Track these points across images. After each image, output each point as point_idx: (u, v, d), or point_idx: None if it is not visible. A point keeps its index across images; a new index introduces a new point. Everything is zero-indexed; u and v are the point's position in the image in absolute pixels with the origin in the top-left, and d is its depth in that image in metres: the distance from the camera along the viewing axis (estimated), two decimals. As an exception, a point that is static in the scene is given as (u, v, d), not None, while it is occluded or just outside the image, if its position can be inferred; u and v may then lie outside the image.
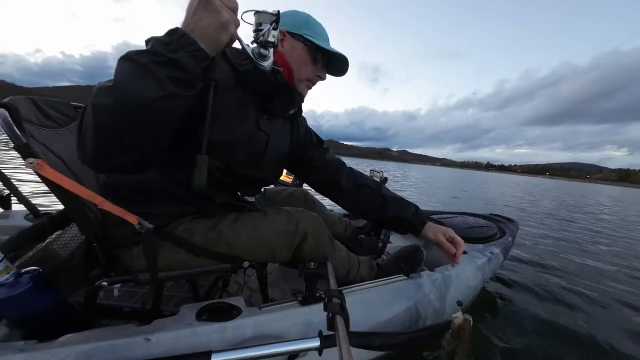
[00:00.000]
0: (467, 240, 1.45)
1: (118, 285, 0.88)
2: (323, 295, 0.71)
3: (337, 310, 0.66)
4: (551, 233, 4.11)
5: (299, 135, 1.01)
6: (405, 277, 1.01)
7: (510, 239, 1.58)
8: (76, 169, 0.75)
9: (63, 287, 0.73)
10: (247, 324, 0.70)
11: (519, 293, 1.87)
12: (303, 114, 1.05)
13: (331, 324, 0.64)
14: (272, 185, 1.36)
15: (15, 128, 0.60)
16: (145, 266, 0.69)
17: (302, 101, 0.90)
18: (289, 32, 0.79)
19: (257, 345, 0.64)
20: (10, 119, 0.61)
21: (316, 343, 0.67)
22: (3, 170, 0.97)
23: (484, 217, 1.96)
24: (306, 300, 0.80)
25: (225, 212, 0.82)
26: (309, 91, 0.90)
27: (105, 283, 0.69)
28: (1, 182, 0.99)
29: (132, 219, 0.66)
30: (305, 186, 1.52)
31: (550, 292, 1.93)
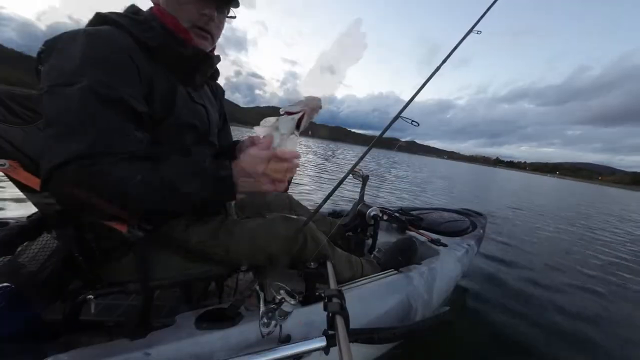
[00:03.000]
0: (447, 234, 1.55)
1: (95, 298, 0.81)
2: (323, 295, 0.71)
3: (337, 310, 0.67)
4: None
5: (220, 100, 0.97)
6: (396, 272, 1.06)
7: (481, 231, 1.71)
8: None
9: (35, 303, 0.66)
10: (250, 328, 0.69)
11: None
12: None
13: (331, 324, 0.65)
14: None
15: (-20, 126, 0.52)
16: (135, 275, 0.64)
17: (219, 60, 0.81)
18: None
19: (263, 350, 0.63)
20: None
21: (322, 343, 0.67)
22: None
23: (456, 211, 2.11)
24: (307, 300, 0.81)
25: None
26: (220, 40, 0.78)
27: (92, 296, 0.63)
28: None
29: (121, 226, 0.61)
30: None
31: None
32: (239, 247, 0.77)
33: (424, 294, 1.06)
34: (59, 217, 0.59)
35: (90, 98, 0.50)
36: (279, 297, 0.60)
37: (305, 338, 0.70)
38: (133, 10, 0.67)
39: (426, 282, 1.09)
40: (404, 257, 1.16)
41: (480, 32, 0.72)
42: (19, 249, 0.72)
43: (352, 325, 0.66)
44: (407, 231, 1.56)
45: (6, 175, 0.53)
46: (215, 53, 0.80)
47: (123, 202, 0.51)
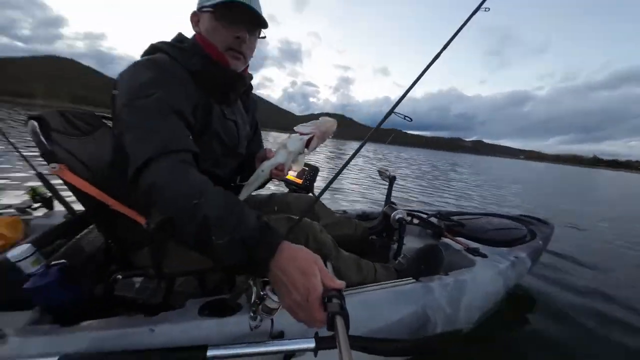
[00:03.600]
0: (492, 242, 1.36)
1: (140, 279, 0.96)
2: (323, 296, 0.71)
3: (337, 310, 0.65)
4: None
5: (252, 112, 1.09)
6: (414, 280, 0.97)
7: (540, 242, 1.44)
8: (98, 172, 0.83)
9: (87, 279, 0.81)
10: (245, 320, 0.72)
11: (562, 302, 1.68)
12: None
13: (331, 324, 0.64)
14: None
15: (41, 137, 0.68)
16: (151, 262, 0.74)
17: (251, 77, 0.94)
18: (199, 11, 0.79)
19: (253, 343, 0.66)
20: (38, 130, 0.69)
21: (311, 344, 0.67)
22: (46, 175, 1.10)
23: (512, 218, 1.82)
24: (306, 300, 0.81)
25: None
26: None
27: (120, 276, 0.75)
28: (45, 185, 1.13)
29: (141, 219, 0.71)
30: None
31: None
32: None
33: (445, 308, 0.95)
34: (95, 210, 0.73)
35: (164, 106, 0.62)
36: (262, 293, 0.62)
37: (301, 336, 0.71)
38: (179, 38, 0.81)
39: (450, 295, 0.97)
40: (426, 265, 1.06)
41: (489, 9, 0.61)
42: (79, 234, 0.91)
43: (350, 332, 0.65)
44: (442, 238, 1.42)
45: (57, 176, 0.68)
46: (250, 72, 0.92)
47: (186, 203, 0.50)
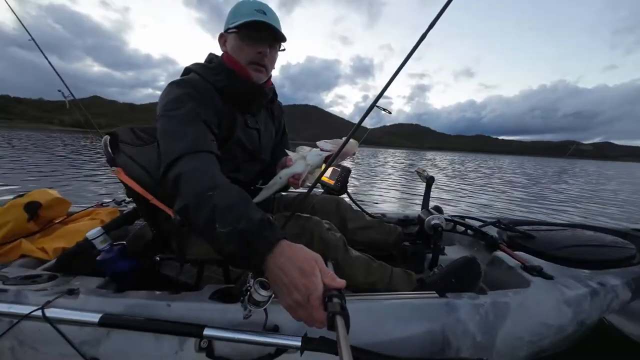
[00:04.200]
0: (564, 261, 1.06)
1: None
2: (323, 295, 0.71)
3: (337, 310, 0.64)
4: None
5: (279, 119, 1.17)
6: (436, 295, 0.85)
7: (654, 267, 1.04)
8: (153, 173, 1.04)
9: (141, 258, 1.03)
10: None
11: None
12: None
13: (331, 324, 0.63)
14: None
15: (108, 148, 0.90)
16: (177, 249, 0.88)
17: (272, 92, 1.01)
18: (225, 32, 0.88)
19: (246, 331, 0.71)
20: (108, 142, 0.92)
21: (297, 342, 0.68)
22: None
23: (618, 232, 1.36)
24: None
25: None
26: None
27: (158, 258, 0.93)
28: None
29: (171, 212, 0.86)
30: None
31: None
32: None
33: (475, 334, 0.79)
34: (141, 204, 0.91)
35: (192, 115, 0.75)
36: (248, 285, 0.66)
37: (294, 334, 0.72)
38: (209, 59, 0.95)
39: (484, 318, 0.81)
40: (457, 280, 0.91)
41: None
42: (144, 222, 1.15)
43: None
44: (497, 250, 1.18)
45: (116, 177, 0.89)
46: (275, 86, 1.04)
47: (201, 196, 0.57)
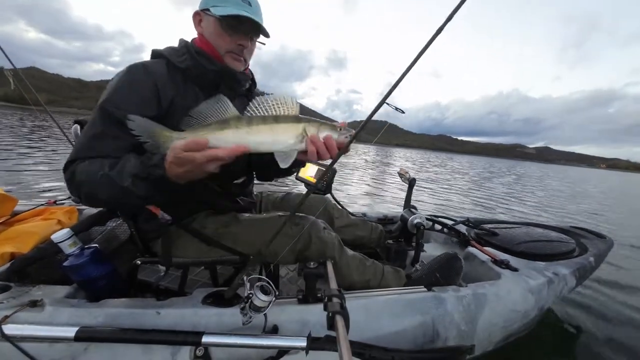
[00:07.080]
0: (524, 255, 1.21)
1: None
2: (323, 295, 0.70)
3: (337, 310, 0.65)
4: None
5: None
6: (425, 289, 0.91)
7: (591, 259, 1.24)
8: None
9: (115, 262, 0.92)
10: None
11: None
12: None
13: (331, 324, 0.63)
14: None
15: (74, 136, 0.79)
16: (162, 252, 0.81)
17: (248, 79, 0.94)
18: (202, 11, 0.81)
19: (247, 335, 0.69)
20: (79, 131, 0.81)
21: (303, 343, 0.67)
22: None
23: (561, 229, 1.59)
24: (305, 299, 0.81)
25: (235, 207, 0.90)
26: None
27: (139, 262, 0.84)
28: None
29: (157, 211, 0.79)
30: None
31: None
32: (245, 239, 0.86)
33: (460, 323, 0.87)
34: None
35: (98, 113, 0.69)
36: (249, 293, 0.64)
37: (294, 334, 0.71)
38: (179, 42, 0.86)
39: (466, 309, 0.89)
40: (441, 274, 0.98)
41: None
42: (117, 222, 1.03)
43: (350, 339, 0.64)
44: (469, 247, 1.30)
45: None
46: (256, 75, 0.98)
47: (93, 193, 0.65)
